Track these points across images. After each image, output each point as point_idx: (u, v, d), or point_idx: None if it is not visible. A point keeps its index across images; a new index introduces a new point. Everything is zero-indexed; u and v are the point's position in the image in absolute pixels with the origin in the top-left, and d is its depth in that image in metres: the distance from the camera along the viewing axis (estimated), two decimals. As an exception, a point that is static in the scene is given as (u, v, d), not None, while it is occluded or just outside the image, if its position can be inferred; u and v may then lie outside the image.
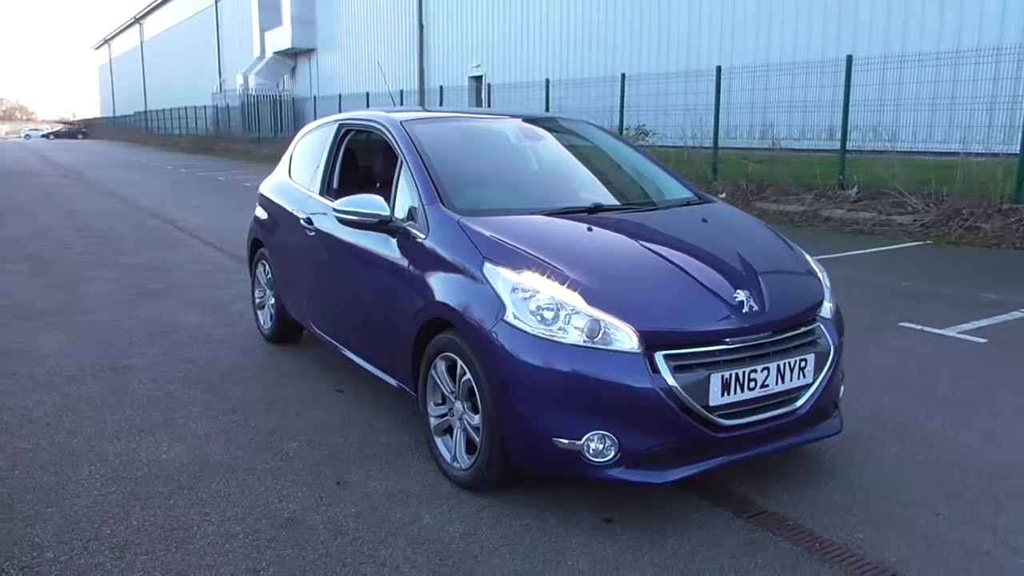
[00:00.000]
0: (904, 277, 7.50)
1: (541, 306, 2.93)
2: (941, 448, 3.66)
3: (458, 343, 3.17)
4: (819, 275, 3.54)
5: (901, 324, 5.74)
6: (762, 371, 2.99)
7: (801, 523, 3.02)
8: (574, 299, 2.92)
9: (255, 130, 37.28)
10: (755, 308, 3.05)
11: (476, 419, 3.14)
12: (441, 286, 3.29)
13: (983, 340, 5.31)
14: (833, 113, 12.90)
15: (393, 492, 3.24)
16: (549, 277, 3.00)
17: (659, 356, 2.85)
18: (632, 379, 2.81)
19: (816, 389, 3.17)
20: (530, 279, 3.00)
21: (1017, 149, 10.27)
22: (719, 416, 2.91)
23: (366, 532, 2.93)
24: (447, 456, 3.37)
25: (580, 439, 2.84)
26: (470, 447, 3.26)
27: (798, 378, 3.12)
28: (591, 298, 2.93)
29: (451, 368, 3.31)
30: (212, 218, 11.84)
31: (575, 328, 2.88)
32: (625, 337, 2.85)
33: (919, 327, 5.62)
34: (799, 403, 3.14)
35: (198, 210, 12.94)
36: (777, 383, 3.05)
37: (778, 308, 3.14)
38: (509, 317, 2.95)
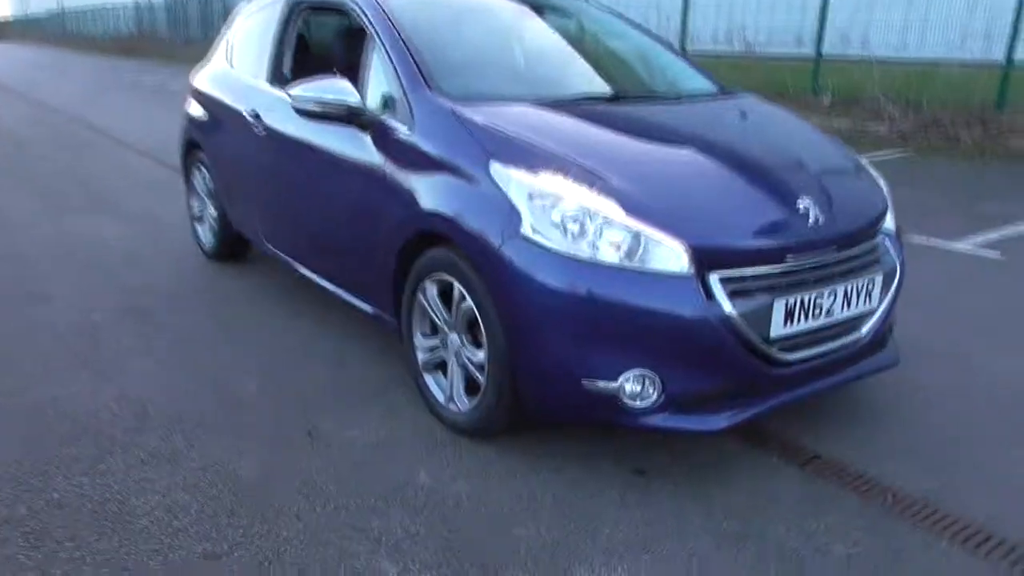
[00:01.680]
0: (894, 188, 7.08)
1: (567, 216, 2.34)
2: (995, 377, 3.25)
3: (455, 262, 2.57)
4: (879, 182, 3.01)
5: (908, 238, 5.31)
6: (828, 295, 2.48)
7: (863, 471, 2.56)
8: (608, 207, 2.33)
9: (182, 31, 34.93)
10: (821, 219, 2.51)
11: (479, 355, 2.58)
12: (431, 191, 2.66)
13: (997, 254, 4.92)
14: (805, 15, 12.28)
15: (378, 442, 2.68)
16: (574, 179, 2.40)
17: (714, 279, 2.30)
18: (681, 307, 2.26)
19: (881, 315, 2.69)
20: (551, 181, 2.40)
21: (1000, 57, 9.86)
22: (779, 350, 2.40)
23: (351, 497, 2.38)
24: (440, 397, 2.81)
25: (616, 380, 2.30)
26: (471, 387, 2.70)
27: (864, 303, 2.62)
28: (629, 205, 2.34)
29: (445, 292, 2.72)
30: (139, 123, 10.75)
31: (610, 243, 2.30)
32: (672, 255, 2.29)
33: (928, 242, 5.20)
34: (863, 331, 2.65)
35: (124, 115, 11.79)
36: (843, 309, 2.54)
37: (844, 219, 2.61)
38: (525, 230, 2.35)
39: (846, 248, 2.61)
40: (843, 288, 2.52)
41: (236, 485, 2.42)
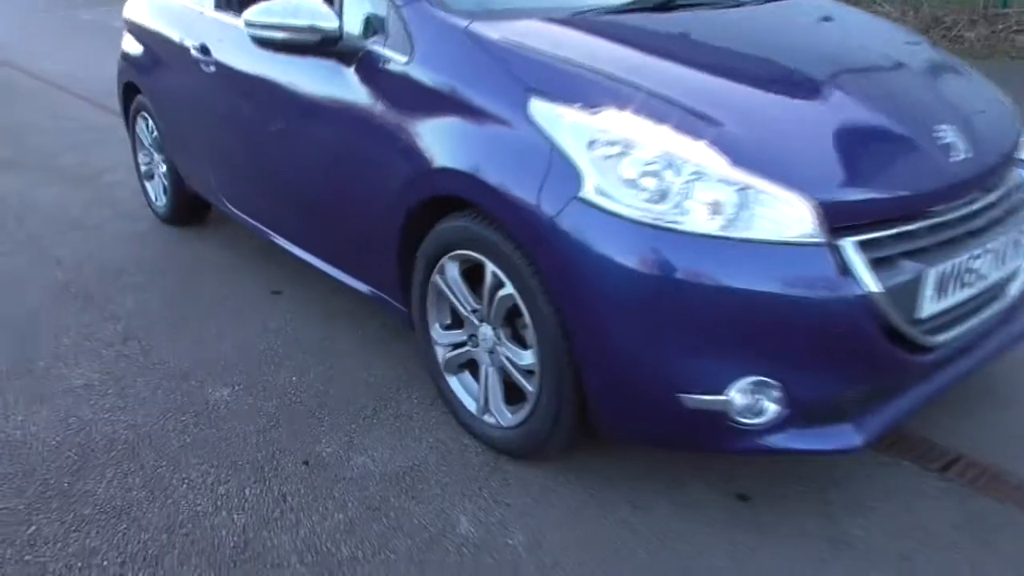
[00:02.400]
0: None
1: (646, 169, 1.69)
2: None
3: (486, 236, 1.92)
4: (1004, 98, 2.37)
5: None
6: (982, 253, 1.87)
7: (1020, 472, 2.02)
8: (704, 154, 1.69)
9: (120, -38, 32.64)
10: (967, 153, 1.89)
11: (526, 357, 1.95)
12: (443, 142, 1.99)
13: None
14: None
15: (396, 474, 2.07)
16: (650, 116, 1.74)
17: (849, 245, 1.67)
18: (811, 287, 1.64)
19: (1027, 270, 2.10)
20: (618, 121, 1.74)
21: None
22: (924, 332, 1.80)
23: (371, 561, 1.78)
24: (471, 406, 2.20)
25: (724, 392, 1.69)
26: (512, 394, 2.08)
27: (1012, 256, 2.02)
28: (730, 150, 1.70)
29: (471, 272, 2.08)
30: (76, 64, 9.73)
31: (707, 205, 1.66)
32: (794, 216, 1.66)
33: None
34: (1011, 293, 2.06)
35: (59, 55, 10.71)
36: (995, 268, 1.95)
37: (988, 151, 1.99)
38: (587, 192, 1.70)
39: (994, 189, 2.00)
40: (995, 241, 1.91)
41: (213, 548, 1.81)
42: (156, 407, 2.38)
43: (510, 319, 2.01)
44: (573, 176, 1.72)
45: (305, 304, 3.05)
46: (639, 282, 1.66)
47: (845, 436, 1.78)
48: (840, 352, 1.70)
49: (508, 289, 1.92)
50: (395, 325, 2.80)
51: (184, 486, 2.04)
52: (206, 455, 2.15)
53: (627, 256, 1.67)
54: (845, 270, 1.65)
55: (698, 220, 1.65)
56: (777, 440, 1.75)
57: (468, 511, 1.93)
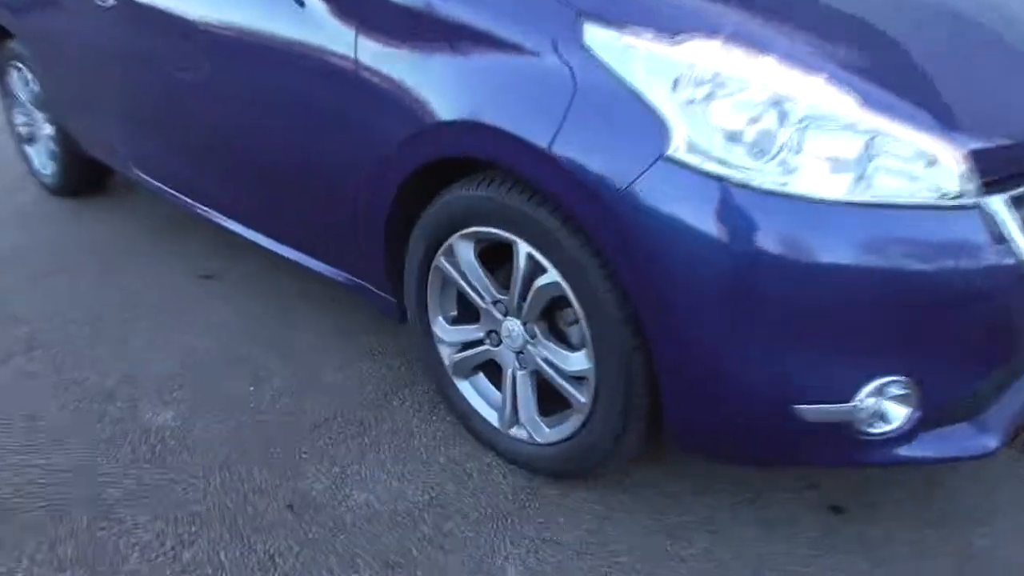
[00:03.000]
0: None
1: (750, 115, 1.28)
2: None
3: (521, 210, 1.48)
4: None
5: None
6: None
7: None
8: (821, 92, 1.29)
9: None
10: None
11: (576, 359, 1.54)
12: (464, 87, 1.52)
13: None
14: None
15: (411, 512, 1.64)
16: (748, 45, 1.33)
17: (1002, 204, 1.32)
18: (963, 260, 1.29)
19: None
20: (708, 52, 1.31)
21: None
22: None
23: (408, 651, 1.36)
24: (492, 418, 1.78)
25: (852, 398, 1.33)
26: (547, 402, 1.68)
27: None
28: (857, 88, 1.31)
29: (489, 253, 1.64)
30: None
31: (825, 159, 1.27)
32: (940, 171, 1.29)
33: None
34: None
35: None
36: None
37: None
38: (678, 148, 1.28)
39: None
40: None
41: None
42: (79, 442, 1.86)
43: (545, 313, 1.59)
44: (655, 128, 1.29)
45: (247, 290, 2.54)
46: (747, 265, 1.27)
47: (975, 439, 1.45)
48: (989, 336, 1.36)
49: (551, 277, 1.49)
50: (365, 311, 2.33)
51: (136, 554, 1.55)
52: (157, 506, 1.67)
53: (731, 231, 1.26)
54: (1000, 236, 1.30)
55: (817, 180, 1.26)
56: (909, 450, 1.41)
57: (513, 557, 1.53)
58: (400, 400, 2.00)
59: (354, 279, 2.00)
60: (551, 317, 1.61)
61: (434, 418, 1.92)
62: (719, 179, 1.26)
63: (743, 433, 1.41)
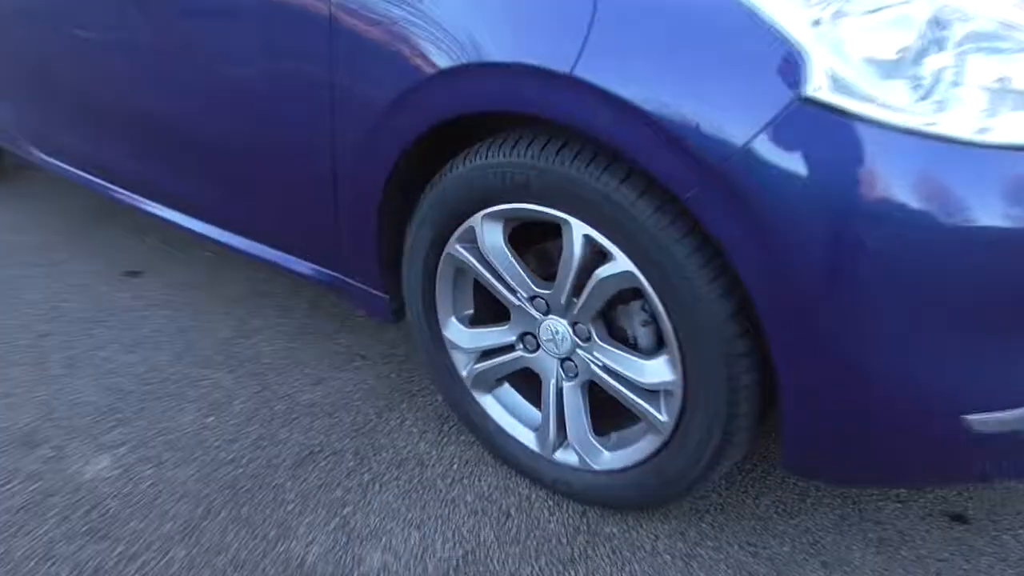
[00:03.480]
0: None
1: (907, 38, 0.94)
2: None
3: (580, 181, 1.11)
4: None
5: None
6: None
7: None
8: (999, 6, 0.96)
9: None
10: None
11: (654, 368, 1.19)
12: (483, 13, 1.13)
13: None
14: None
15: (445, 573, 1.28)
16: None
17: None
18: None
19: None
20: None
21: None
22: None
23: None
24: (531, 442, 1.42)
25: (1032, 403, 1.03)
26: (605, 421, 1.33)
27: None
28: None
29: (520, 237, 1.28)
30: None
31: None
32: None
33: None
34: None
35: None
36: None
37: None
38: (818, 86, 0.92)
39: None
40: None
41: None
42: (-12, 511, 1.43)
43: (603, 311, 1.24)
44: (787, 60, 0.93)
45: (184, 288, 2.10)
46: (927, 237, 0.93)
47: None
48: None
49: (619, 265, 1.13)
50: (337, 309, 1.93)
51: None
52: (103, 599, 1.26)
53: (899, 194, 0.92)
54: None
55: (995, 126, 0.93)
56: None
57: (590, 631, 1.20)
58: (399, 418, 1.62)
59: (331, 273, 1.59)
60: (612, 314, 1.26)
61: (446, 440, 1.56)
62: (878, 125, 0.92)
63: (891, 451, 1.09)
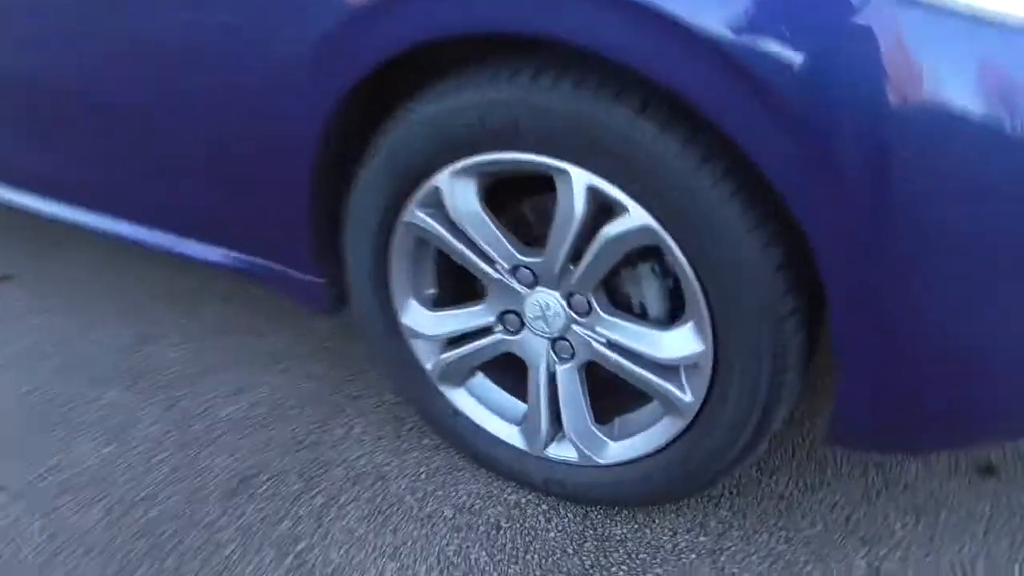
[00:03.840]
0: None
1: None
2: None
3: (572, 115, 0.90)
4: None
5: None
6: None
7: None
8: None
9: None
10: None
11: (672, 341, 0.99)
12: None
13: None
14: None
15: (436, 611, 1.06)
16: None
17: None
18: None
19: None
20: None
21: None
22: None
23: None
24: (516, 439, 1.20)
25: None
26: (608, 404, 1.13)
27: None
28: None
29: (496, 195, 1.05)
30: None
31: None
32: None
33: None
34: None
35: None
36: None
37: None
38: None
39: None
40: None
41: None
42: None
43: (608, 280, 1.03)
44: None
45: (65, 291, 1.75)
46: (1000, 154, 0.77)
47: None
48: None
49: (634, 220, 0.93)
50: (253, 303, 1.65)
51: None
52: None
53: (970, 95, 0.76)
54: None
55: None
56: None
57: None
58: (345, 426, 1.37)
59: (250, 259, 1.32)
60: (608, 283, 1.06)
61: (406, 446, 1.33)
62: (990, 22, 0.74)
63: (962, 406, 0.94)
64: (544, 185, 1.02)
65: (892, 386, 0.91)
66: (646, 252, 1.00)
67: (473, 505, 1.21)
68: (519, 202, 1.13)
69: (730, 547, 1.13)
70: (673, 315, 1.05)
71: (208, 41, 1.08)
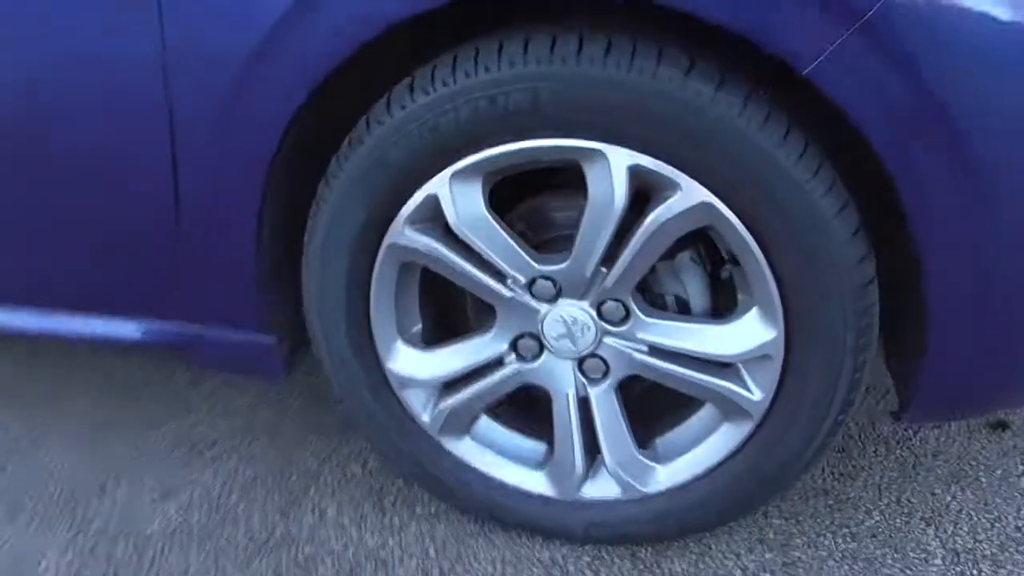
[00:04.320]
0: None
1: None
2: None
3: (603, 85, 0.77)
4: None
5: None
6: None
7: None
8: None
9: None
10: None
11: (734, 334, 0.87)
12: None
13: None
14: None
15: None
16: None
17: None
18: None
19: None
20: None
21: None
22: None
23: None
24: (542, 485, 1.02)
25: None
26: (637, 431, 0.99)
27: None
28: None
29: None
30: None
31: None
32: None
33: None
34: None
35: None
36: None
37: None
38: None
39: None
40: None
41: None
42: None
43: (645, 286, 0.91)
44: None
45: None
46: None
47: None
48: None
49: (689, 198, 0.80)
50: (143, 374, 1.36)
51: None
52: None
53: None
54: None
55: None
56: None
57: None
58: (314, 510, 1.13)
59: (174, 327, 1.06)
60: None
61: (397, 520, 1.11)
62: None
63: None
64: (536, 188, 0.90)
65: (991, 342, 0.83)
66: (681, 241, 0.87)
67: (504, 574, 1.01)
68: (506, 213, 0.98)
69: (800, 557, 1.01)
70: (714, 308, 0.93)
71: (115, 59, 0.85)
